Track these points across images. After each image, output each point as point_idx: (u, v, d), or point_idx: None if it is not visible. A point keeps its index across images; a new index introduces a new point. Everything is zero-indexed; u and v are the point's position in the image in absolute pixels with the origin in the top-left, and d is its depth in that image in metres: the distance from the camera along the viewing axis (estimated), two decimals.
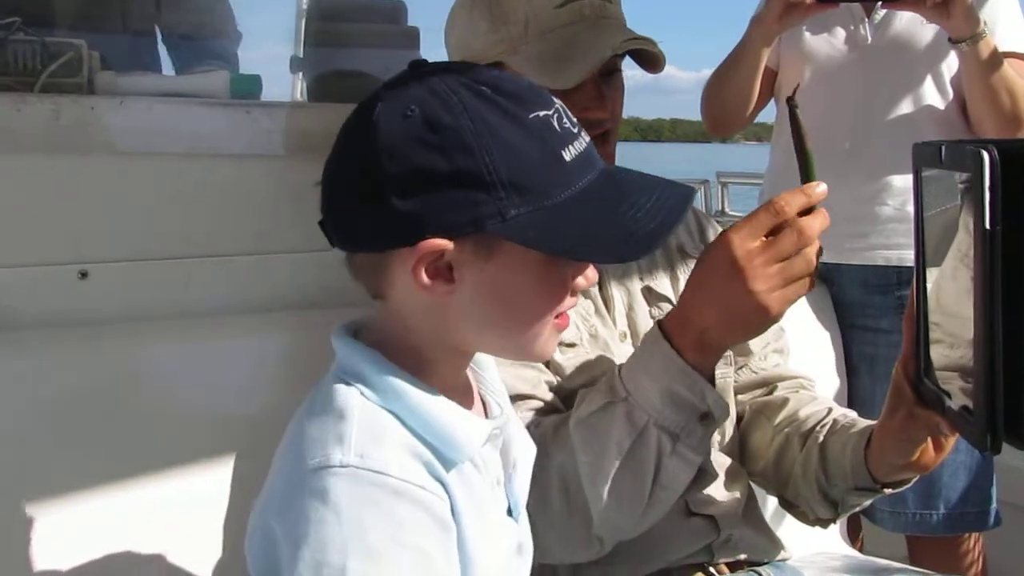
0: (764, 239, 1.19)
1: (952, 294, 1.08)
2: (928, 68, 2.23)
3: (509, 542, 1.10)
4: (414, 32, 2.50)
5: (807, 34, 2.30)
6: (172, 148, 1.64)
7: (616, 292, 1.52)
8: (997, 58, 2.11)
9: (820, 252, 1.22)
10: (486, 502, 1.04)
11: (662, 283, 1.55)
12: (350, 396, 0.98)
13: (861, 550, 2.35)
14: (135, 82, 1.78)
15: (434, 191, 0.94)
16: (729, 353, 1.57)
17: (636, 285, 1.54)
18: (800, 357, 1.76)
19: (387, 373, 0.99)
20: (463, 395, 1.08)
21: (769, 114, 2.43)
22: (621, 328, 1.50)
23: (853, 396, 2.34)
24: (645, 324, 1.50)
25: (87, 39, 1.75)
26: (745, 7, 2.35)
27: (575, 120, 1.01)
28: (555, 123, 0.98)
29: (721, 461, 1.55)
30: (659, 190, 1.02)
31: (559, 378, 1.41)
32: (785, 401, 1.58)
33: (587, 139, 1.01)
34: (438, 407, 0.99)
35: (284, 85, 2.86)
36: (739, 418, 1.62)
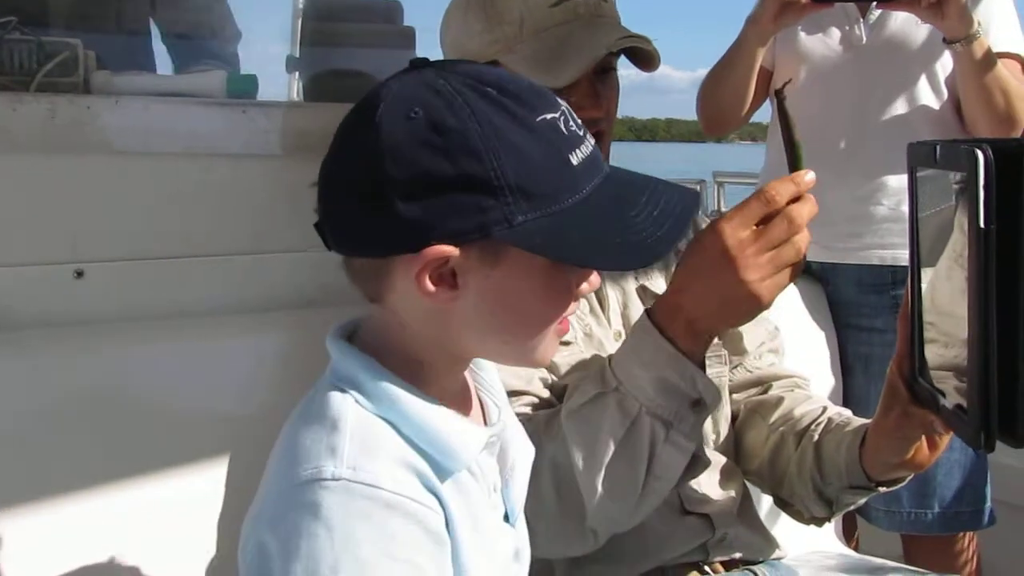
0: (755, 228, 1.20)
1: (947, 294, 1.08)
2: (923, 68, 2.24)
3: (506, 549, 1.08)
4: (410, 32, 2.50)
5: (802, 34, 2.30)
6: (168, 148, 1.63)
7: (611, 291, 1.52)
8: (991, 58, 2.12)
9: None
10: (482, 510, 1.02)
11: (657, 282, 1.55)
12: (344, 404, 0.95)
13: (856, 549, 2.35)
14: (131, 81, 1.78)
15: (440, 196, 0.91)
16: (724, 352, 1.58)
17: (631, 284, 1.54)
18: (795, 356, 1.76)
19: (382, 380, 0.97)
20: (461, 399, 1.06)
21: (764, 114, 2.44)
22: (616, 327, 1.51)
23: (848, 395, 2.34)
24: None
25: (83, 38, 1.75)
26: (741, 7, 2.35)
27: (580, 122, 0.99)
28: (562, 126, 0.95)
29: (716, 460, 1.55)
30: (665, 195, 1.01)
31: (554, 376, 1.42)
32: (780, 400, 1.59)
33: (592, 142, 0.98)
34: (434, 415, 0.97)
35: (280, 85, 2.87)
36: (734, 417, 1.62)
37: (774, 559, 1.56)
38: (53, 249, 1.53)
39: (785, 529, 1.67)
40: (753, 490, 1.63)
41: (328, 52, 2.49)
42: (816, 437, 1.49)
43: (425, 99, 0.92)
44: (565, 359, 1.42)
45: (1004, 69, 2.14)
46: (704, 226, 1.26)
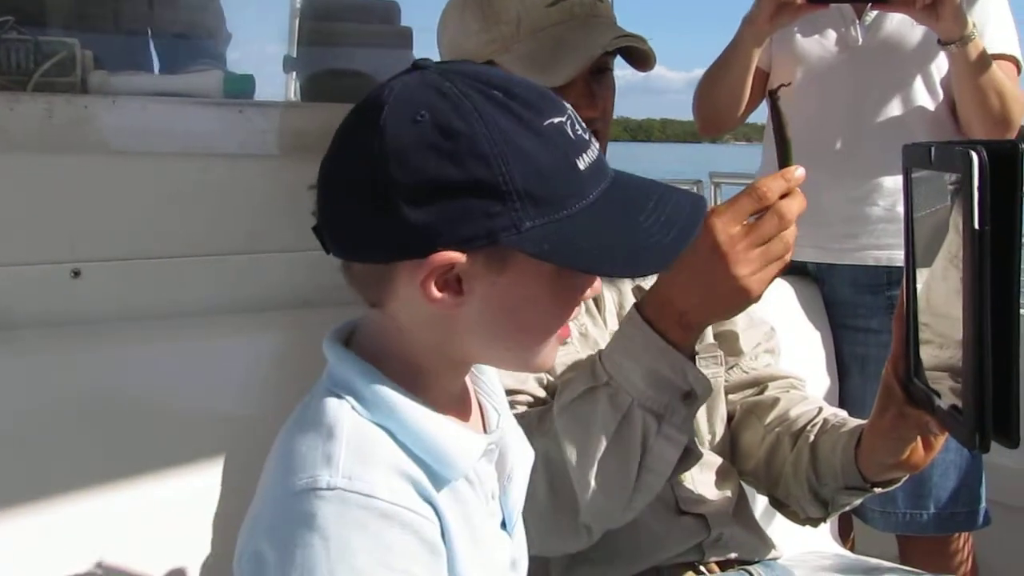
0: (745, 223, 1.20)
1: (942, 294, 1.09)
2: (918, 69, 2.24)
3: (503, 558, 1.07)
4: (407, 32, 2.50)
5: (798, 36, 2.30)
6: (165, 147, 1.63)
7: (607, 291, 1.53)
8: (986, 60, 2.12)
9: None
10: (479, 518, 1.01)
11: (652, 281, 1.56)
12: (340, 411, 0.94)
13: (852, 549, 2.36)
14: (128, 81, 1.78)
15: (447, 201, 0.89)
16: (720, 352, 1.58)
17: (627, 284, 1.55)
18: (791, 357, 1.77)
19: (380, 387, 0.95)
20: (460, 404, 1.05)
21: (759, 115, 2.44)
22: (612, 327, 1.51)
23: (844, 396, 2.35)
24: None
25: (80, 38, 1.75)
26: (737, 7, 2.35)
27: (585, 126, 0.97)
28: (569, 130, 0.94)
29: (712, 460, 1.56)
30: (672, 200, 0.99)
31: (549, 376, 1.42)
32: (776, 401, 1.59)
33: (597, 146, 0.97)
34: (432, 423, 0.96)
35: (278, 85, 2.87)
36: (730, 418, 1.62)
37: (769, 559, 1.56)
38: (50, 249, 1.52)
39: (781, 529, 1.67)
40: (749, 490, 1.64)
41: (325, 52, 2.49)
42: (812, 438, 1.49)
43: (431, 102, 0.90)
44: (561, 359, 1.42)
45: (999, 71, 2.15)
46: None
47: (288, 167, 1.71)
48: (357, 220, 0.93)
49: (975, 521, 2.30)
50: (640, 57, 1.49)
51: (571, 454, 1.26)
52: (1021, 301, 1.03)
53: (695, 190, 6.96)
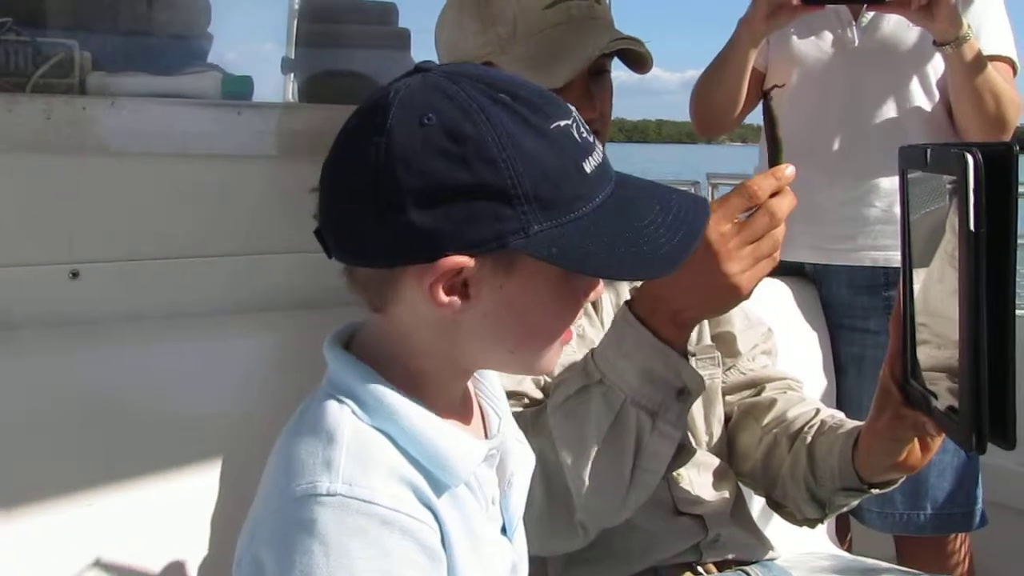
0: (736, 221, 1.21)
1: (939, 295, 1.09)
2: (915, 70, 2.25)
3: (503, 564, 1.07)
4: (405, 33, 2.50)
5: (795, 37, 2.31)
6: (164, 148, 1.63)
7: (605, 293, 1.53)
8: (981, 61, 2.13)
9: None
10: (479, 524, 1.01)
11: None
12: (341, 416, 0.94)
13: (849, 550, 2.36)
14: (126, 82, 1.78)
15: (455, 205, 0.88)
16: (718, 354, 1.59)
17: (624, 286, 1.55)
18: (788, 357, 1.77)
19: (381, 392, 0.95)
20: (461, 409, 1.05)
21: (757, 115, 2.44)
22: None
23: (841, 396, 2.35)
24: None
25: (79, 40, 1.75)
26: (733, 8, 2.36)
27: (589, 129, 0.97)
28: (575, 133, 0.93)
29: (709, 461, 1.56)
30: (676, 203, 1.00)
31: (547, 377, 1.42)
32: (773, 402, 1.59)
33: (602, 149, 0.97)
34: (433, 429, 0.95)
35: (276, 86, 2.86)
36: (727, 419, 1.63)
37: (767, 560, 1.57)
38: (49, 249, 1.53)
39: (778, 530, 1.67)
40: (746, 491, 1.64)
41: (323, 53, 2.49)
42: (809, 439, 1.49)
43: (438, 105, 0.90)
44: (559, 360, 1.42)
45: (994, 72, 2.15)
46: None
47: (286, 168, 1.71)
48: (362, 224, 0.91)
49: (972, 522, 2.30)
50: (637, 59, 1.50)
51: (566, 453, 1.27)
52: (1017, 302, 1.04)
53: (692, 191, 6.98)
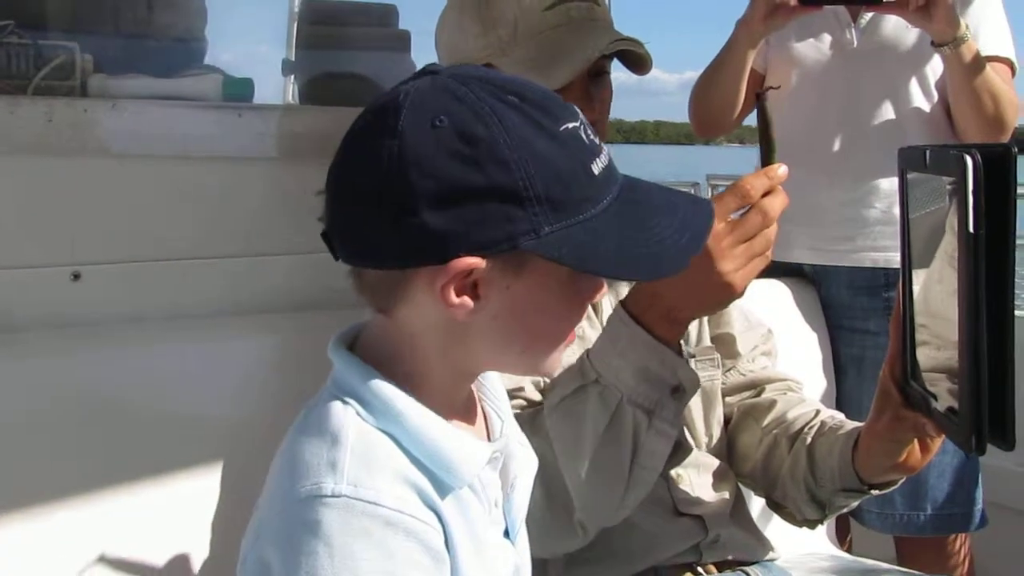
0: (729, 220, 1.22)
1: (939, 296, 1.09)
2: (914, 71, 2.25)
3: (505, 567, 1.07)
4: (406, 35, 2.50)
5: (794, 39, 2.31)
6: (165, 151, 1.64)
7: (605, 295, 1.53)
8: (980, 62, 2.13)
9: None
10: (482, 526, 1.01)
11: None
12: (346, 417, 0.94)
13: (849, 551, 2.36)
14: (127, 85, 1.78)
15: (467, 206, 0.89)
16: (717, 355, 1.59)
17: (624, 287, 1.55)
18: (788, 358, 1.77)
19: (385, 393, 0.95)
20: (465, 411, 1.05)
21: (756, 117, 2.45)
22: None
23: (841, 397, 2.35)
24: None
25: (80, 42, 1.75)
26: (731, 9, 2.36)
27: (595, 131, 0.98)
28: (583, 136, 0.94)
29: (709, 462, 1.56)
30: (681, 205, 1.00)
31: (545, 380, 1.42)
32: (773, 403, 1.60)
33: (607, 151, 0.97)
34: (437, 431, 0.95)
35: (276, 88, 2.87)
36: (727, 420, 1.63)
37: (767, 561, 1.57)
38: (50, 251, 1.53)
39: (778, 531, 1.67)
40: (746, 492, 1.64)
41: (324, 55, 2.49)
42: (809, 440, 1.50)
43: (449, 107, 0.90)
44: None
45: (993, 73, 2.15)
46: None
47: (287, 170, 1.72)
48: (373, 226, 0.92)
49: (972, 522, 2.30)
50: (636, 60, 1.50)
51: (563, 453, 1.27)
52: (1016, 303, 1.04)
53: (692, 192, 6.98)
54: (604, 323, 1.50)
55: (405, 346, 0.98)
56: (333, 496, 0.90)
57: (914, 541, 2.33)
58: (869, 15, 2.26)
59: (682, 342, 1.32)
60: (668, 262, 0.96)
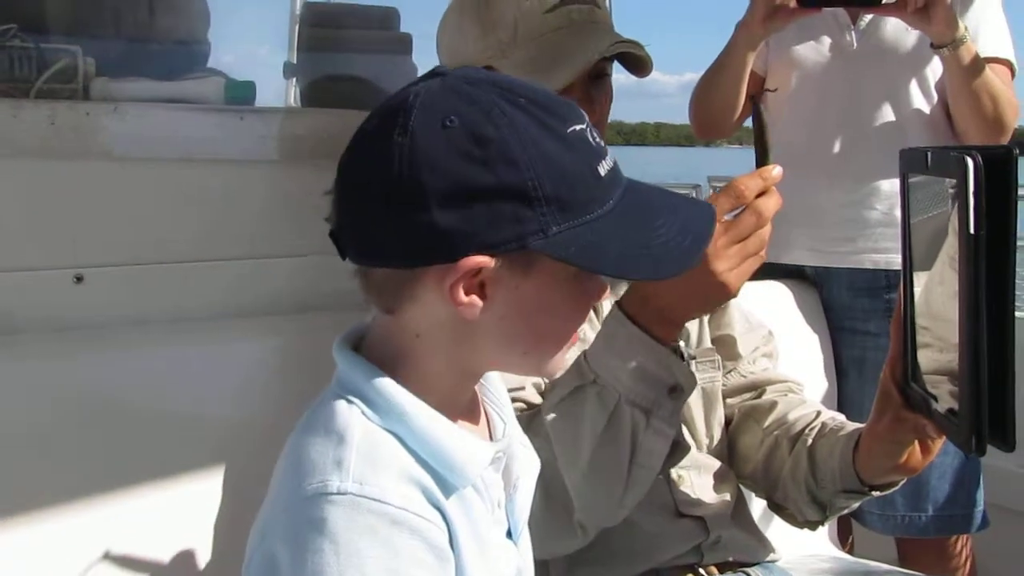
0: (723, 220, 1.22)
1: (941, 298, 1.09)
2: (913, 73, 2.25)
3: (508, 568, 1.07)
4: (407, 38, 2.51)
5: (794, 41, 2.31)
6: (167, 154, 1.64)
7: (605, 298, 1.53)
8: (979, 63, 2.13)
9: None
10: (486, 526, 1.01)
11: None
12: (351, 416, 0.95)
13: (851, 552, 2.36)
14: (129, 88, 1.78)
15: (477, 205, 0.90)
16: (718, 357, 1.59)
17: (623, 289, 1.55)
18: (789, 360, 1.77)
19: (390, 393, 0.96)
20: (468, 412, 1.06)
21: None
22: None
23: (842, 399, 2.35)
24: None
25: (82, 46, 1.76)
26: (730, 11, 2.37)
27: (600, 134, 0.99)
28: (589, 138, 0.95)
29: (710, 464, 1.57)
30: (683, 205, 1.02)
31: (545, 382, 1.43)
32: (774, 405, 1.60)
33: (612, 154, 0.98)
34: (442, 430, 0.96)
35: (278, 90, 2.87)
36: (728, 422, 1.63)
37: (768, 562, 1.57)
38: (53, 254, 1.53)
39: (779, 532, 1.67)
40: (747, 493, 1.64)
41: (325, 58, 2.50)
42: (810, 441, 1.50)
43: (459, 108, 0.91)
44: None
45: (992, 74, 2.16)
46: None
47: (289, 173, 1.72)
48: (383, 225, 0.93)
49: (973, 523, 2.31)
50: (636, 63, 1.50)
51: (562, 453, 1.28)
52: (1016, 305, 1.04)
53: (694, 194, 6.99)
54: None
55: (410, 346, 0.99)
56: (339, 494, 0.90)
57: (915, 542, 2.33)
58: (868, 17, 2.26)
59: (682, 343, 1.32)
60: (673, 262, 0.97)
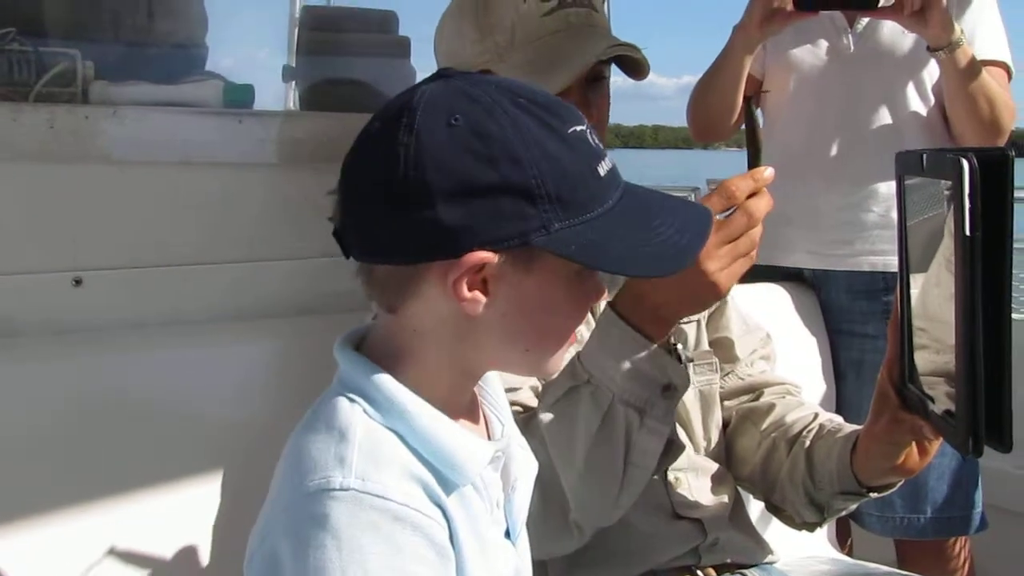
0: (714, 221, 1.23)
1: (937, 300, 1.10)
2: (910, 76, 2.26)
3: (507, 567, 1.08)
4: (405, 42, 2.51)
5: (791, 44, 2.32)
6: (166, 157, 1.64)
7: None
8: (975, 66, 2.14)
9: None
10: (485, 526, 1.02)
11: None
12: (353, 414, 0.95)
13: (850, 554, 2.36)
14: (128, 91, 1.78)
15: (481, 202, 0.91)
16: (715, 359, 1.59)
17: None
18: (787, 362, 1.78)
19: (391, 391, 0.96)
20: (468, 413, 1.06)
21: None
22: None
23: (840, 401, 2.36)
24: None
25: (81, 49, 1.76)
26: (728, 14, 2.37)
27: (599, 136, 1.00)
28: (589, 139, 0.97)
29: (708, 466, 1.57)
30: (679, 206, 1.03)
31: (543, 381, 1.43)
32: (772, 407, 1.60)
33: (610, 157, 1.00)
34: (442, 428, 0.97)
35: (277, 94, 2.87)
36: (726, 424, 1.63)
37: (766, 563, 1.57)
38: (52, 257, 1.53)
39: (777, 534, 1.67)
40: (745, 495, 1.64)
41: (324, 62, 2.50)
42: (807, 443, 1.50)
43: (464, 107, 0.93)
44: None
45: (989, 77, 2.16)
46: None
47: (287, 176, 1.72)
48: (387, 221, 0.94)
49: (971, 525, 2.31)
50: (634, 66, 1.51)
51: (557, 454, 1.28)
52: (1013, 306, 1.04)
53: (693, 196, 6.99)
54: None
55: (412, 345, 1.00)
56: (341, 489, 0.91)
57: (914, 544, 2.33)
58: (865, 20, 2.27)
59: (680, 346, 1.33)
60: (672, 259, 0.98)
